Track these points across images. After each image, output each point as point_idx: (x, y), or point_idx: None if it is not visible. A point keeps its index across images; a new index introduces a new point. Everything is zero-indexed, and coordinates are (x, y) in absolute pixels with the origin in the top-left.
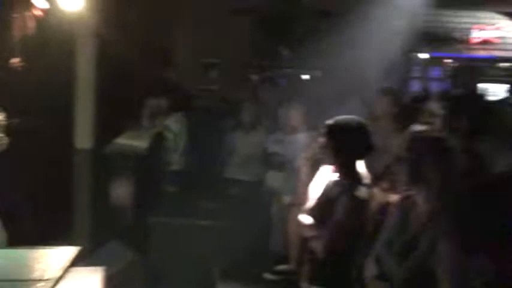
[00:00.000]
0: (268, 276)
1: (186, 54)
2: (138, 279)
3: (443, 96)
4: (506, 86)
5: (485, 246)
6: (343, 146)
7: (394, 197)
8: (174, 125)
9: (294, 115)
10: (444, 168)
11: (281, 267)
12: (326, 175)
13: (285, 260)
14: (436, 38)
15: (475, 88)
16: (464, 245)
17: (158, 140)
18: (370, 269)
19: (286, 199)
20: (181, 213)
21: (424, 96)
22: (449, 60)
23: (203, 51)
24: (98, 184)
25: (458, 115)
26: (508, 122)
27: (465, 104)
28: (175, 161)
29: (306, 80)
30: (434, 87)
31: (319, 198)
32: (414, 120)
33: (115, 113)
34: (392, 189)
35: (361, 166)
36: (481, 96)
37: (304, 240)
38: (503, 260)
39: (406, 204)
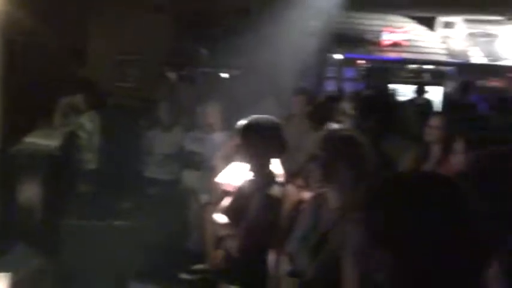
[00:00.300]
0: (184, 276)
1: (102, 51)
2: (46, 286)
3: (355, 97)
4: (414, 87)
5: (389, 241)
6: (257, 145)
7: (308, 195)
8: (87, 123)
9: (212, 114)
10: (356, 166)
11: (197, 266)
12: (241, 174)
13: (201, 259)
14: (349, 40)
15: (385, 89)
16: (371, 240)
17: (71, 138)
18: (284, 266)
19: (204, 198)
20: (96, 214)
21: (338, 96)
22: (362, 61)
23: (120, 48)
24: (5, 185)
25: (367, 115)
26: (414, 121)
27: (374, 104)
28: (89, 160)
29: (225, 79)
30: (349, 87)
31: (234, 197)
32: (328, 119)
33: (24, 112)
34: (307, 186)
35: (275, 165)
36: (389, 97)
37: (220, 239)
38: (406, 256)
39: (318, 202)
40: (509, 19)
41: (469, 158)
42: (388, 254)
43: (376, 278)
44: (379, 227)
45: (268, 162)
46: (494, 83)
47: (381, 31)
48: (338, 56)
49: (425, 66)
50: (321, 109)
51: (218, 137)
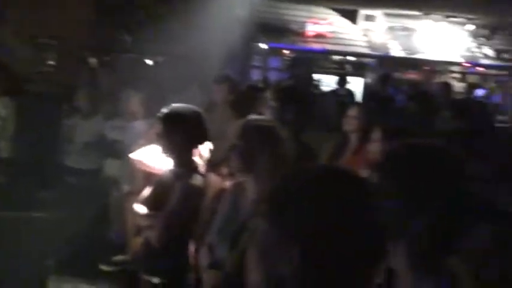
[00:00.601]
0: (104, 267)
1: (19, 35)
2: None
3: (275, 87)
4: (336, 78)
5: (297, 237)
6: (177, 134)
7: (229, 184)
8: (1, 110)
9: (134, 101)
10: (273, 156)
11: (118, 257)
12: (163, 163)
13: (123, 250)
14: (274, 30)
15: (307, 79)
16: (282, 233)
17: None
18: (204, 258)
19: (125, 188)
20: (12, 205)
21: (262, 86)
22: (287, 51)
23: (38, 31)
24: None
25: (287, 105)
26: (335, 112)
27: (294, 95)
28: (3, 148)
29: (148, 66)
30: (274, 76)
31: (155, 187)
32: (250, 109)
33: None
34: (230, 176)
35: (197, 154)
36: (310, 87)
37: (140, 230)
38: (312, 252)
39: (237, 191)
40: (426, 14)
41: (384, 148)
42: (295, 250)
43: (280, 273)
44: (287, 222)
45: (189, 152)
46: (412, 75)
47: (305, 22)
48: (263, 46)
49: (347, 58)
50: (243, 98)
51: (140, 125)
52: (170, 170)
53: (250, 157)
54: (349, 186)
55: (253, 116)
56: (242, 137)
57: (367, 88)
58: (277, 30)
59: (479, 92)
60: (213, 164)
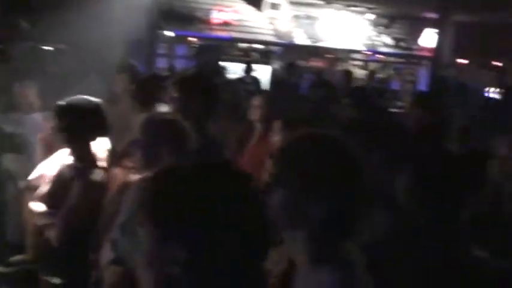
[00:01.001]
0: (0, 268)
1: None
2: None
3: (178, 78)
4: (243, 65)
5: (180, 236)
6: (74, 127)
7: (135, 177)
8: None
9: (31, 92)
10: (176, 150)
11: (16, 257)
12: (61, 158)
13: (21, 250)
14: (180, 17)
15: (215, 67)
16: (161, 231)
17: None
18: (107, 254)
19: (23, 183)
20: None
21: (168, 74)
22: (194, 39)
23: None
24: None
25: (190, 96)
26: (241, 101)
27: (197, 85)
28: None
29: (47, 55)
30: (180, 64)
31: (53, 183)
32: (154, 99)
33: None
34: (134, 169)
35: (99, 147)
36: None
37: (39, 228)
38: (198, 247)
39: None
40: (328, 3)
41: (284, 138)
42: (181, 249)
43: (170, 272)
44: (169, 220)
45: (87, 145)
46: (316, 63)
47: (211, 9)
48: (169, 33)
49: (254, 46)
50: (144, 88)
51: (38, 117)
52: (69, 165)
53: (153, 152)
54: (225, 183)
55: (156, 110)
56: (144, 132)
57: (273, 76)
58: (183, 18)
59: (395, 85)
60: (116, 157)
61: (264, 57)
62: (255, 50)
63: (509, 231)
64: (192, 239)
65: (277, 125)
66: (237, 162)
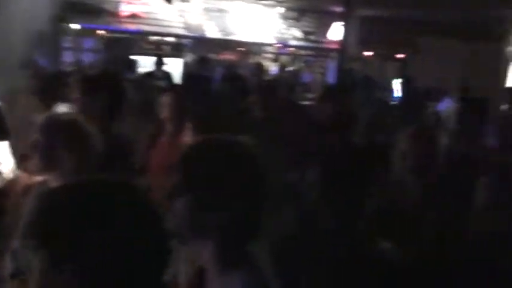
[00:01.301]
0: None
1: None
2: None
3: (81, 78)
4: (154, 59)
5: (73, 257)
6: None
7: (39, 179)
8: None
9: None
10: (78, 153)
11: None
12: None
13: None
14: (86, 9)
15: (125, 61)
16: (52, 254)
17: None
18: (8, 266)
19: None
20: None
21: (75, 69)
22: (103, 32)
23: None
24: None
25: (95, 96)
26: (151, 97)
27: (101, 84)
28: None
29: None
30: (89, 58)
31: None
32: (57, 97)
33: None
34: (38, 171)
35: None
36: (127, 69)
37: None
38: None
39: (42, 190)
40: None
41: (193, 140)
42: (73, 275)
43: None
44: (62, 243)
45: None
46: (228, 56)
47: (119, 2)
48: (75, 26)
49: (165, 39)
50: (46, 85)
51: None
52: None
53: (52, 155)
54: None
55: (56, 111)
56: (43, 134)
57: (185, 69)
58: (90, 10)
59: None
60: (19, 158)
61: (176, 50)
62: (166, 43)
63: (411, 223)
64: (87, 264)
65: (187, 127)
66: (145, 166)
